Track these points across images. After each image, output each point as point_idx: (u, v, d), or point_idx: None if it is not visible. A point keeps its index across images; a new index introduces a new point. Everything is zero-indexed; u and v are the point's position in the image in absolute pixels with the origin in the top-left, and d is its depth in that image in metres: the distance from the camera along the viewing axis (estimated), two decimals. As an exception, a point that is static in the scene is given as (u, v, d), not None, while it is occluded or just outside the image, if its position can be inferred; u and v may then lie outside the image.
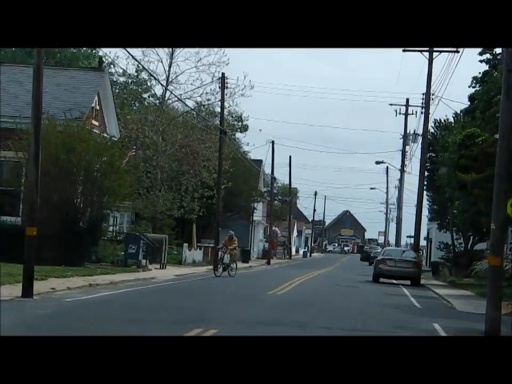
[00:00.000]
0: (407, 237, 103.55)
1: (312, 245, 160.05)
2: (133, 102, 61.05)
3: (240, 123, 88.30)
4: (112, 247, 41.92)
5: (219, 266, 39.01)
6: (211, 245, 57.35)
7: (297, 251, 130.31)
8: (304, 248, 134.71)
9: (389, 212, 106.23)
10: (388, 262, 42.29)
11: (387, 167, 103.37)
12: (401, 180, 67.67)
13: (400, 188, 67.73)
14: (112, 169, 33.14)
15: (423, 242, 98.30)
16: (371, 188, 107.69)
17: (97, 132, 38.23)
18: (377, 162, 70.35)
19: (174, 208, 52.35)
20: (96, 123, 41.06)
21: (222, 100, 48.54)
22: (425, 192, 62.80)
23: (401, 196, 67.58)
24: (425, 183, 56.51)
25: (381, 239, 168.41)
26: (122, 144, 43.89)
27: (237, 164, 70.99)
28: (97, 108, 41.40)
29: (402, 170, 67.69)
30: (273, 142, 74.96)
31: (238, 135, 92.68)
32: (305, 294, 28.44)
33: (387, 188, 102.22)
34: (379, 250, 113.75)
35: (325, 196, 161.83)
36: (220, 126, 48.67)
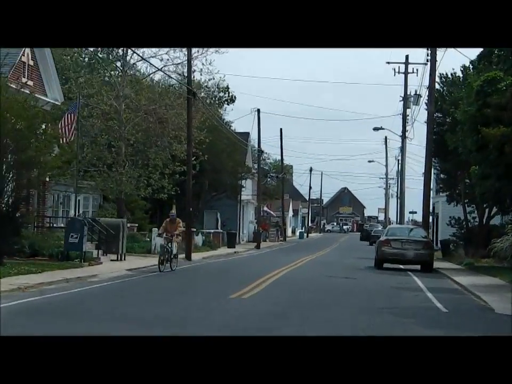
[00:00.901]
0: (410, 212, 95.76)
1: (310, 224, 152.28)
2: (87, 61, 52.98)
3: (226, 94, 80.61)
4: (55, 236, 33.97)
5: (161, 258, 29.08)
6: (193, 230, 49.38)
7: (293, 232, 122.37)
8: (301, 229, 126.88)
9: (388, 187, 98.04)
10: (392, 244, 34.36)
11: (386, 136, 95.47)
12: (402, 148, 59.63)
13: (402, 157, 59.69)
14: (32, 136, 25.07)
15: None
16: (369, 161, 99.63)
17: (27, 91, 30.13)
18: (376, 129, 62.20)
19: (140, 187, 44.33)
20: (30, 83, 33.15)
21: (189, 54, 40.42)
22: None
23: (403, 166, 59.54)
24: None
25: (381, 216, 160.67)
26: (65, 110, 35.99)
27: (218, 137, 63.12)
28: (30, 63, 33.45)
29: (403, 137, 59.64)
30: (258, 111, 67.02)
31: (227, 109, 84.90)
32: (281, 299, 19.51)
33: (386, 159, 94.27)
34: (380, 229, 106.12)
35: (322, 172, 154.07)
36: (187, 85, 40.52)
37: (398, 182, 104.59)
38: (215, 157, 63.96)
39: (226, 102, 79.92)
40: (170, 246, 29.01)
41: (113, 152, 44.43)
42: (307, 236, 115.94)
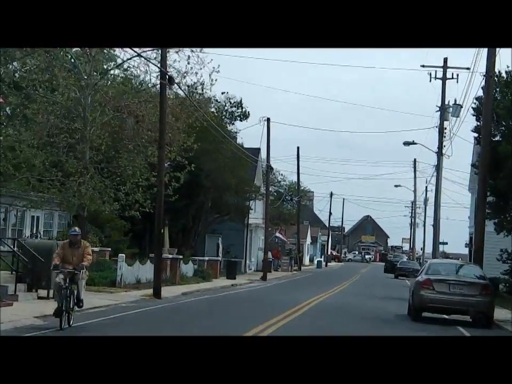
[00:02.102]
0: (440, 243, 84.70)
1: (330, 252, 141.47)
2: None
3: (240, 109, 70.59)
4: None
5: (60, 306, 16.83)
6: (169, 256, 38.99)
7: (311, 260, 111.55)
8: (320, 257, 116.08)
9: (417, 215, 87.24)
10: (436, 286, 23.57)
11: (415, 159, 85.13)
12: (438, 166, 49.05)
13: (438, 177, 49.07)
14: None
15: (463, 250, 79.66)
16: (396, 186, 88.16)
17: None
18: (407, 144, 51.54)
19: (105, 201, 33.99)
20: None
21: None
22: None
23: (439, 187, 48.93)
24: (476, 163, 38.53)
25: (406, 247, 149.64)
26: None
27: (221, 149, 52.90)
28: None
29: (440, 153, 49.05)
30: (268, 120, 56.63)
31: (238, 124, 74.99)
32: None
33: (415, 183, 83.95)
34: (405, 260, 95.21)
35: (343, 199, 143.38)
36: (160, 67, 30.12)
37: (425, 210, 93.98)
38: (216, 172, 53.77)
39: (239, 118, 70.06)
40: (71, 287, 17.16)
41: (74, 158, 34.21)
42: (326, 265, 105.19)
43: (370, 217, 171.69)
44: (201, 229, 59.00)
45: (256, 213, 67.38)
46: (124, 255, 33.81)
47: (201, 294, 34.00)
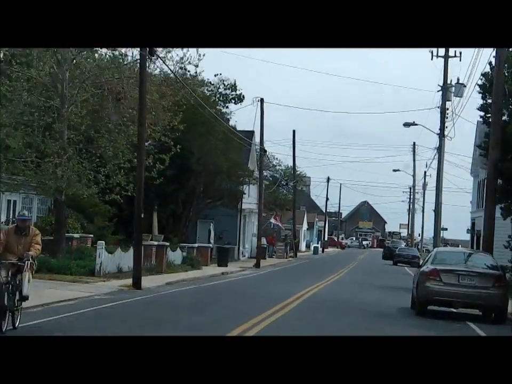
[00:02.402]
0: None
1: (327, 238, 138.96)
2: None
3: (234, 92, 67.89)
4: None
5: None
6: (155, 243, 36.49)
7: (308, 246, 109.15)
8: (317, 243, 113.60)
9: (415, 201, 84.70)
10: (444, 277, 20.98)
11: (414, 142, 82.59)
12: (440, 148, 46.49)
13: (440, 159, 46.52)
14: None
15: (463, 236, 77.25)
16: (394, 170, 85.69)
17: None
18: (407, 124, 48.90)
19: (83, 184, 31.44)
20: None
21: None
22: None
23: (441, 170, 46.42)
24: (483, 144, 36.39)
25: (403, 232, 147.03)
26: None
27: (212, 131, 50.36)
28: None
29: (441, 135, 46.49)
30: (262, 100, 53.98)
31: (233, 108, 72.46)
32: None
33: (414, 167, 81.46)
34: (404, 246, 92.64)
35: (340, 184, 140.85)
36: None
37: (423, 195, 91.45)
38: (207, 156, 51.17)
39: (233, 101, 67.34)
40: (15, 282, 14.06)
41: (50, 138, 31.63)
42: (322, 251, 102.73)
43: (368, 202, 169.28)
44: (192, 215, 56.47)
45: (250, 198, 64.84)
46: (103, 242, 31.25)
47: (187, 284, 31.50)
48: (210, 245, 49.40)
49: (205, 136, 49.54)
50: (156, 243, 36.07)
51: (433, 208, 47.87)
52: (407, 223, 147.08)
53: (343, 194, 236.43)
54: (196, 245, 45.49)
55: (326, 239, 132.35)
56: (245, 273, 44.41)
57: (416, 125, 48.94)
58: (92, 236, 36.92)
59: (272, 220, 73.79)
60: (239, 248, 61.08)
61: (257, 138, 59.28)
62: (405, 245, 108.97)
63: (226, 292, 28.28)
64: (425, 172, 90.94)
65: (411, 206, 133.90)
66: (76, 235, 35.68)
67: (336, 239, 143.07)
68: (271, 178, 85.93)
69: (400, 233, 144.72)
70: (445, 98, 46.43)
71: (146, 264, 35.14)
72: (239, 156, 55.17)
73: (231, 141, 52.99)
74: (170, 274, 36.03)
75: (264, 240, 68.34)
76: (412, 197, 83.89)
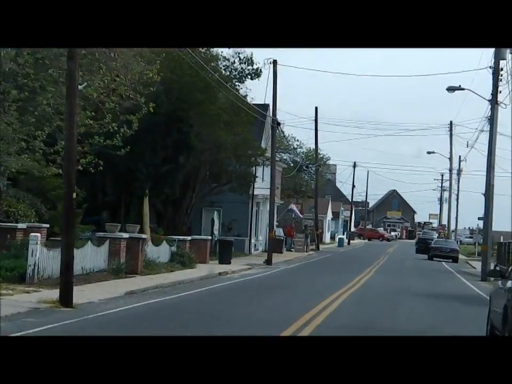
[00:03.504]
0: (479, 219, 72.50)
1: (353, 229, 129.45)
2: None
3: (250, 66, 58.69)
4: None
5: None
6: (124, 236, 27.41)
7: (333, 238, 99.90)
8: (342, 234, 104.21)
9: (445, 189, 74.93)
10: None
11: (451, 121, 72.91)
12: (492, 118, 37.16)
13: (491, 131, 37.20)
14: None
15: (506, 227, 67.78)
16: (429, 152, 75.73)
17: None
18: (451, 89, 39.49)
19: (11, 153, 22.45)
20: None
21: None
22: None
23: (493, 144, 37.12)
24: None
25: (434, 223, 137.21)
26: None
27: (215, 100, 41.42)
28: None
29: (494, 101, 37.12)
30: (275, 62, 44.76)
31: (249, 84, 63.32)
32: None
33: (451, 148, 71.62)
34: (440, 238, 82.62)
35: (368, 171, 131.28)
36: None
37: (458, 181, 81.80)
38: (209, 129, 42.10)
39: (249, 77, 58.10)
40: None
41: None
42: (348, 243, 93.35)
43: (396, 191, 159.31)
44: (194, 201, 47.47)
45: (265, 183, 55.68)
46: (38, 234, 22.26)
47: (157, 294, 22.47)
48: (210, 237, 40.22)
49: (205, 105, 40.52)
50: (125, 235, 27.01)
51: (483, 192, 38.41)
52: (437, 212, 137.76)
53: (370, 183, 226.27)
54: (189, 237, 36.30)
55: (352, 229, 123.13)
56: (250, 272, 35.29)
57: (462, 89, 39.45)
58: (46, 226, 27.86)
59: (292, 207, 64.59)
60: (250, 240, 51.98)
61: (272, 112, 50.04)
62: (437, 236, 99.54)
63: (194, 313, 19.00)
64: (459, 157, 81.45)
65: (444, 194, 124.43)
66: (22, 225, 26.63)
67: (377, 230, 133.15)
68: (291, 163, 76.77)
69: (431, 223, 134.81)
70: (499, 56, 37.06)
71: (112, 264, 26.23)
72: (248, 131, 45.98)
73: (238, 113, 43.92)
74: (145, 277, 27.17)
75: (280, 231, 59.25)
76: (446, 183, 73.97)
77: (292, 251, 60.09)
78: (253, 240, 52.86)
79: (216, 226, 45.61)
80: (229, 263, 38.23)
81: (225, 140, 41.63)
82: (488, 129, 38.34)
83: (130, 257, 27.41)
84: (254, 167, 50.10)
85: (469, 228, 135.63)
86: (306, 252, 60.85)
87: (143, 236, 28.83)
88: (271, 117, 43.64)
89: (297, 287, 27.67)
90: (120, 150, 24.86)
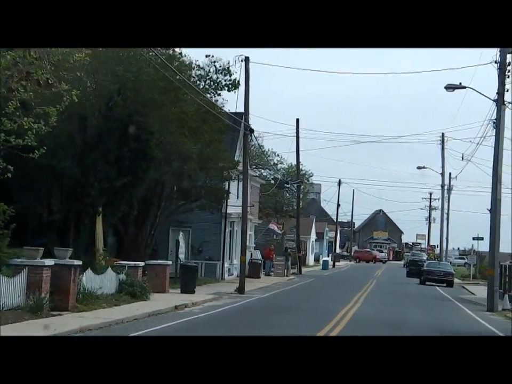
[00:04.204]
0: (474, 239, 66.98)
1: (339, 251, 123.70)
2: None
3: (228, 76, 53.14)
4: None
5: None
6: (46, 263, 21.56)
7: (317, 260, 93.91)
8: (327, 256, 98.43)
9: (444, 202, 69.28)
10: None
11: (442, 133, 67.66)
12: (499, 120, 31.71)
13: (498, 133, 31.77)
14: None
15: (506, 249, 62.16)
16: (419, 168, 70.08)
17: None
18: (450, 87, 33.72)
19: None
20: None
21: None
22: None
23: (500, 149, 31.67)
24: None
25: (422, 243, 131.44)
26: None
27: (179, 102, 35.84)
28: None
29: (501, 101, 31.69)
30: (247, 59, 39.15)
31: (226, 95, 57.94)
32: None
33: (443, 162, 66.00)
34: (425, 258, 77.40)
35: (353, 190, 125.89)
36: None
37: (448, 199, 75.64)
38: (170, 136, 36.41)
39: (226, 88, 52.56)
40: None
41: None
42: (333, 266, 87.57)
43: (383, 211, 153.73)
44: (159, 221, 41.73)
45: (240, 200, 49.92)
46: None
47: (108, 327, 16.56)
48: (169, 262, 34.40)
49: (166, 108, 34.91)
50: (49, 262, 21.16)
51: (489, 208, 32.78)
52: (424, 233, 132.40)
53: (357, 202, 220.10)
54: (142, 263, 30.44)
55: (337, 251, 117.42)
56: (215, 304, 29.45)
57: (463, 87, 33.86)
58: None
59: (272, 226, 58.84)
60: (223, 264, 46.18)
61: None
62: (427, 258, 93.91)
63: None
64: (450, 174, 75.80)
65: (432, 213, 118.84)
66: None
67: (371, 252, 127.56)
68: (271, 180, 71.14)
69: (420, 244, 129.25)
70: (506, 52, 31.68)
71: (30, 300, 20.42)
72: (219, 140, 40.31)
73: (206, 119, 38.36)
74: (76, 314, 21.46)
75: (257, 254, 53.53)
76: (434, 202, 68.35)
77: (271, 275, 54.35)
78: (226, 264, 47.07)
79: (182, 249, 39.78)
80: (193, 292, 32.49)
81: (189, 149, 35.94)
82: (488, 135, 33.02)
83: (57, 289, 21.61)
84: (226, 182, 44.51)
85: (458, 248, 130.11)
86: (286, 276, 55.09)
87: (75, 262, 22.94)
88: (243, 121, 37.96)
89: (267, 325, 21.91)
90: (34, 152, 19.08)
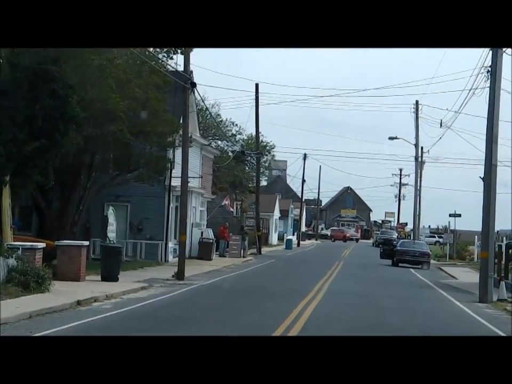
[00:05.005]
0: (451, 215, 60.93)
1: (305, 229, 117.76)
2: None
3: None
4: None
5: None
6: None
7: (281, 239, 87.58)
8: (292, 235, 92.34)
9: (418, 176, 62.94)
10: None
11: (416, 101, 61.65)
12: (495, 65, 25.46)
13: (494, 82, 25.51)
14: None
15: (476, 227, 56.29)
16: (391, 138, 63.45)
17: None
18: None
19: None
20: None
21: None
22: None
23: (496, 106, 25.40)
24: None
25: (392, 221, 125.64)
26: None
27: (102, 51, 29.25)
28: None
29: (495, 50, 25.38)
30: None
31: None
32: None
33: (417, 132, 59.96)
34: (407, 239, 70.22)
35: (320, 166, 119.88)
36: None
37: (420, 173, 68.65)
38: (93, 90, 29.75)
39: (180, 51, 45.98)
40: None
41: None
42: (298, 245, 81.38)
43: (351, 188, 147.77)
44: (88, 194, 35.27)
45: (190, 172, 43.56)
46: None
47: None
48: (86, 243, 27.80)
49: (86, 55, 28.33)
50: None
51: (482, 176, 26.51)
52: (393, 211, 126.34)
53: (325, 179, 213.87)
54: (41, 244, 23.75)
55: (304, 229, 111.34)
56: (140, 296, 22.99)
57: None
58: None
59: (224, 202, 52.40)
60: (166, 244, 39.69)
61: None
62: (397, 236, 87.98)
63: None
64: (422, 148, 69.27)
65: (403, 190, 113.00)
66: None
67: (343, 230, 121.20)
68: (230, 153, 64.66)
69: (390, 221, 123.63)
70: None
71: None
72: (157, 99, 33.83)
73: (140, 72, 31.91)
74: None
75: (208, 233, 47.19)
76: (416, 170, 62.12)
77: (225, 256, 48.03)
78: (171, 245, 40.53)
79: (112, 227, 33.04)
80: (116, 279, 26.09)
81: (114, 106, 29.37)
82: (480, 88, 26.67)
83: None
84: (171, 150, 38.03)
85: (429, 226, 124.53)
86: (243, 257, 48.78)
87: None
88: (183, 72, 31.25)
89: (196, 325, 15.51)
90: None
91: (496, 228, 29.53)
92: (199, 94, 38.83)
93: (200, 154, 46.73)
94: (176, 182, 40.35)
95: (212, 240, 44.98)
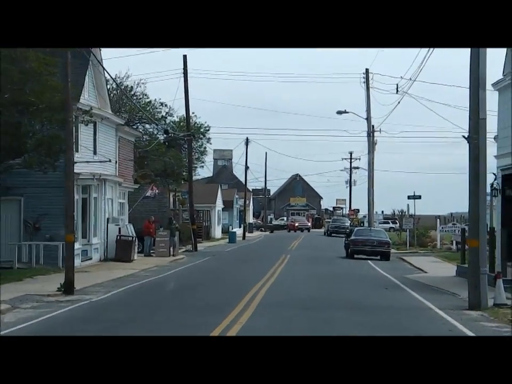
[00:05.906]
0: (409, 198, 53.99)
1: (253, 220, 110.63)
2: None
3: None
4: None
5: None
6: None
7: (226, 232, 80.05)
8: (238, 227, 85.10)
9: (372, 157, 55.70)
10: None
11: (367, 69, 54.56)
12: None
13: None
14: None
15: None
16: (339, 112, 55.92)
17: None
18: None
19: None
20: None
21: None
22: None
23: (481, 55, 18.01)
24: None
25: (344, 209, 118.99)
26: None
27: None
28: None
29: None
30: None
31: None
32: None
33: (368, 103, 52.89)
34: (347, 225, 62.82)
35: (266, 153, 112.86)
36: None
37: (372, 149, 61.19)
38: None
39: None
40: None
41: None
42: (243, 238, 74.08)
43: (300, 176, 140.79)
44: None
45: (98, 156, 35.94)
46: None
47: None
48: None
49: None
50: None
51: (466, 135, 19.25)
52: (345, 197, 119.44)
53: (274, 167, 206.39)
54: None
55: (251, 220, 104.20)
56: None
57: None
58: None
59: (149, 192, 44.74)
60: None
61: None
62: (350, 224, 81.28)
63: None
64: (373, 127, 62.14)
65: (354, 175, 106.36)
66: None
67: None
68: (159, 136, 57.09)
69: (342, 208, 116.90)
70: None
71: None
72: (46, 63, 26.34)
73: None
74: None
75: (130, 229, 39.64)
76: (369, 147, 54.97)
77: (152, 256, 40.50)
78: (78, 246, 32.78)
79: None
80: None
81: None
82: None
83: None
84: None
85: (382, 212, 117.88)
86: (173, 255, 41.27)
87: None
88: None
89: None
90: None
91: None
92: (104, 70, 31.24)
93: (116, 135, 39.08)
94: (80, 169, 32.66)
95: (131, 238, 37.33)
